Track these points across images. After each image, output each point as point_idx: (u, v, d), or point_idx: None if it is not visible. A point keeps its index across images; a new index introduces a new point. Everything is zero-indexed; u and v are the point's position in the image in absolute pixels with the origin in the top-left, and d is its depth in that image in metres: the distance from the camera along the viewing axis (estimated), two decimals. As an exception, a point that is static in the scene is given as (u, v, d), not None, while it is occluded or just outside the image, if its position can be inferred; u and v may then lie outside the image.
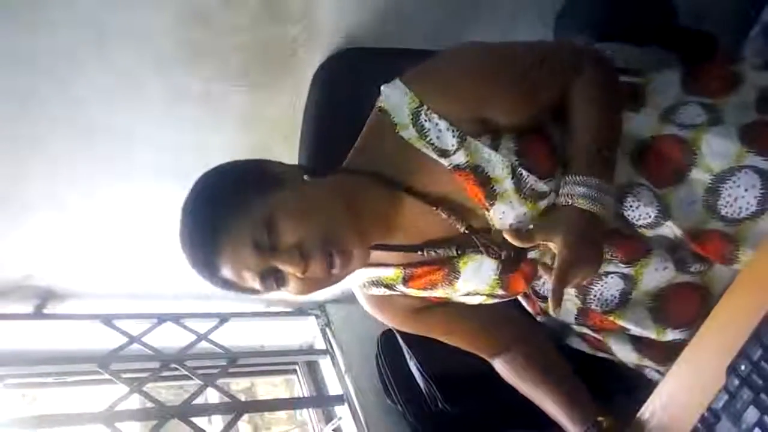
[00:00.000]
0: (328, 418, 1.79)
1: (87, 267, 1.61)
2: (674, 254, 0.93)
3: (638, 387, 1.01)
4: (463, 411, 1.49)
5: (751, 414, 0.70)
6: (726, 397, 0.74)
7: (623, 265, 0.94)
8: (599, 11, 1.20)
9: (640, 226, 0.92)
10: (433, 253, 0.94)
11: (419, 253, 0.94)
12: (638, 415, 0.91)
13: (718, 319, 0.81)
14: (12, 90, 1.22)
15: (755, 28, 1.50)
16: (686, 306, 0.93)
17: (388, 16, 1.43)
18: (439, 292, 0.99)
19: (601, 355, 1.09)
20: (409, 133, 0.90)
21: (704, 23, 1.54)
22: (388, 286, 1.00)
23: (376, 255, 0.98)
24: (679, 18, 1.24)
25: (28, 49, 1.17)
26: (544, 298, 1.06)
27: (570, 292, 1.00)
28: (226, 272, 0.85)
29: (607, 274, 0.95)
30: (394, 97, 0.90)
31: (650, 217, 0.90)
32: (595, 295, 0.97)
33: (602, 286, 0.96)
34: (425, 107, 0.88)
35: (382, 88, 0.93)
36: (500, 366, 1.12)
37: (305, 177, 0.90)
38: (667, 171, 0.90)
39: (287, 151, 1.34)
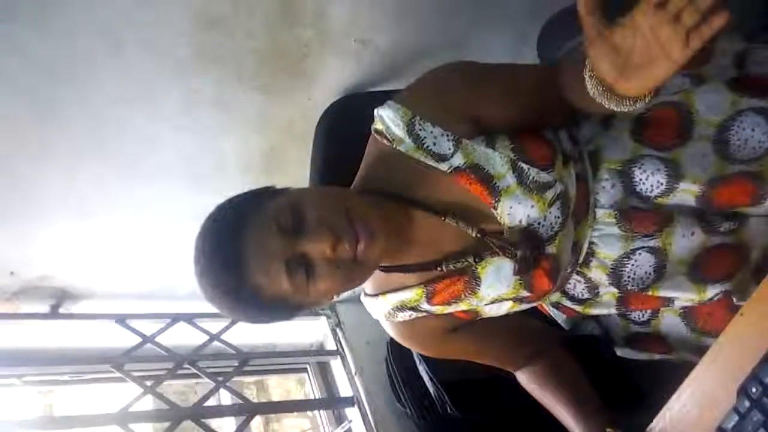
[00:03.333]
0: (339, 419, 1.80)
1: (102, 268, 1.63)
2: (699, 218, 0.92)
3: (652, 399, 1.00)
4: (472, 416, 1.49)
5: (762, 437, 0.70)
6: (736, 418, 0.74)
7: (647, 238, 0.93)
8: (574, 24, 1.19)
9: (656, 196, 0.91)
10: (451, 267, 0.93)
11: (438, 269, 0.94)
12: (648, 429, 0.91)
13: (729, 339, 0.81)
14: (32, 96, 1.24)
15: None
16: (723, 263, 0.92)
17: (401, 18, 1.43)
18: (464, 305, 0.98)
19: (657, 357, 1.07)
20: (406, 146, 0.90)
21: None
22: (413, 308, 0.99)
23: (395, 279, 0.98)
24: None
25: (48, 57, 1.19)
26: (580, 301, 1.05)
27: (604, 282, 0.99)
28: (251, 270, 0.79)
29: (634, 251, 0.94)
30: (388, 116, 0.91)
31: (662, 184, 0.90)
32: (629, 276, 0.96)
33: (633, 264, 0.95)
34: (418, 117, 0.90)
35: (375, 111, 0.94)
36: (523, 377, 1.13)
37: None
38: (670, 135, 0.91)
39: (301, 151, 1.34)
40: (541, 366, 1.10)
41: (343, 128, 1.22)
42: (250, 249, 0.80)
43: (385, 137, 0.92)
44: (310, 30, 1.36)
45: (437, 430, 1.56)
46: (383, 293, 0.99)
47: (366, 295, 1.03)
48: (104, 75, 1.26)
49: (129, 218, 1.53)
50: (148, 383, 1.53)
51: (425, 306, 0.98)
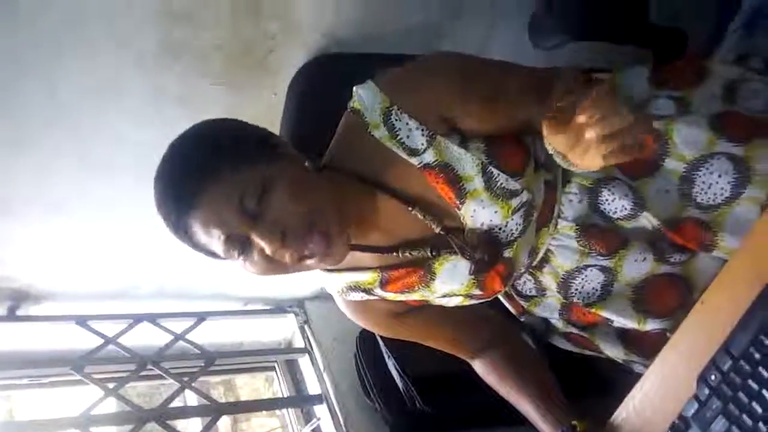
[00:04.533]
0: (308, 417, 1.79)
1: (61, 268, 1.58)
2: (653, 245, 0.94)
3: (615, 387, 1.02)
4: (440, 410, 1.50)
5: (720, 424, 0.72)
6: (696, 405, 0.76)
7: (602, 258, 0.95)
8: (573, 11, 1.20)
9: (618, 218, 0.93)
10: (408, 255, 0.94)
11: (395, 254, 0.94)
12: (611, 419, 0.92)
13: (690, 328, 0.83)
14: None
15: (735, 21, 1.51)
16: (667, 296, 0.94)
17: (367, 14, 1.42)
18: (417, 295, 0.99)
19: (587, 353, 1.10)
20: (380, 133, 0.90)
21: (682, 20, 1.56)
22: (366, 291, 1.00)
23: (353, 258, 0.98)
24: (650, 16, 1.24)
25: (12, 51, 1.15)
26: (527, 297, 1.07)
27: (552, 288, 1.01)
28: (196, 220, 0.80)
29: (586, 267, 0.97)
30: (366, 98, 0.91)
31: (626, 209, 0.92)
32: (576, 289, 0.98)
33: (583, 279, 0.97)
34: (395, 107, 0.89)
35: (354, 88, 0.93)
36: (479, 367, 1.13)
37: (306, 164, 0.89)
38: (641, 162, 0.92)
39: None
40: (499, 356, 1.10)
41: (316, 90, 1.21)
42: (204, 203, 0.79)
43: (361, 118, 0.91)
44: (276, 23, 1.34)
45: (406, 424, 1.56)
46: (339, 270, 1.00)
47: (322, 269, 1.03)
48: (70, 71, 1.22)
49: (89, 216, 1.49)
50: (110, 385, 1.49)
51: (378, 291, 0.99)
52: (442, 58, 0.95)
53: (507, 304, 1.15)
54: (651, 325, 0.95)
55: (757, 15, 1.41)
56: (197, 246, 0.84)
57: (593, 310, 0.98)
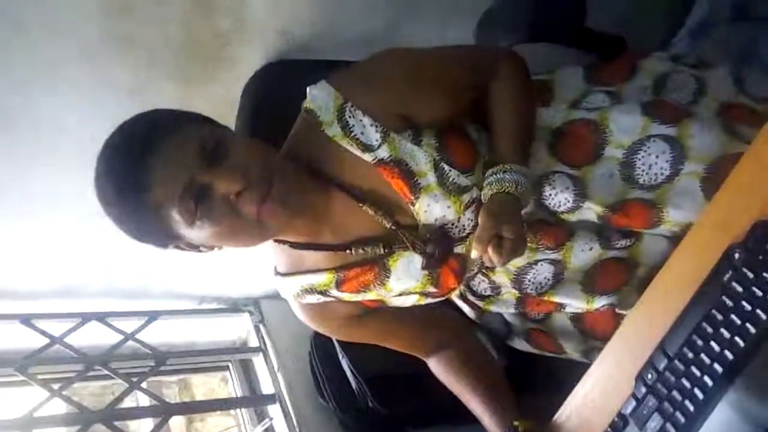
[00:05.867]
0: (261, 417, 1.77)
1: (4, 264, 1.53)
2: (599, 234, 0.97)
3: (567, 384, 1.04)
4: (393, 410, 1.50)
5: (656, 421, 0.74)
6: (634, 403, 0.78)
7: (550, 251, 0.98)
8: (517, 16, 1.23)
9: (562, 212, 0.96)
10: (361, 251, 0.94)
11: (348, 251, 0.95)
12: (555, 417, 0.94)
13: (629, 330, 0.86)
14: None
15: (681, 32, 1.57)
16: (613, 275, 0.98)
17: (323, 9, 1.41)
18: (373, 294, 1.00)
19: (548, 354, 1.13)
20: (333, 131, 0.91)
21: (632, 31, 1.60)
22: (322, 293, 0.99)
23: (307, 260, 0.98)
24: (594, 23, 1.27)
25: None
26: (482, 297, 1.08)
27: (507, 285, 1.03)
28: (152, 170, 0.76)
29: (536, 262, 0.99)
30: (320, 96, 0.92)
31: (569, 202, 0.95)
32: (530, 281, 1.01)
33: (534, 272, 1.01)
34: (350, 104, 0.90)
35: (308, 88, 0.94)
36: (434, 365, 1.15)
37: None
38: (582, 152, 0.96)
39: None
40: (454, 355, 1.12)
41: (270, 96, 1.21)
42: (163, 150, 0.78)
43: (314, 117, 0.91)
44: (229, 19, 1.32)
45: (359, 424, 1.56)
46: (294, 274, 1.00)
47: (277, 273, 1.03)
48: (8, 59, 1.18)
49: (33, 211, 1.44)
50: (56, 386, 1.45)
51: (334, 292, 0.99)
52: (389, 54, 0.97)
53: (464, 307, 1.16)
54: (599, 302, 0.99)
55: (703, 25, 1.47)
56: (146, 206, 0.79)
57: (546, 297, 1.01)
